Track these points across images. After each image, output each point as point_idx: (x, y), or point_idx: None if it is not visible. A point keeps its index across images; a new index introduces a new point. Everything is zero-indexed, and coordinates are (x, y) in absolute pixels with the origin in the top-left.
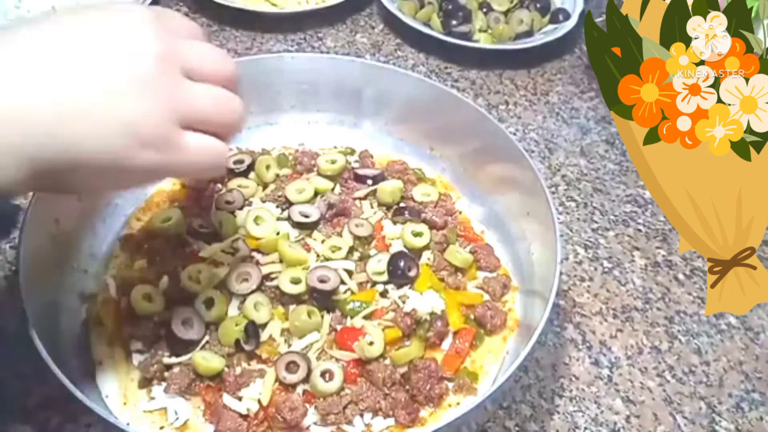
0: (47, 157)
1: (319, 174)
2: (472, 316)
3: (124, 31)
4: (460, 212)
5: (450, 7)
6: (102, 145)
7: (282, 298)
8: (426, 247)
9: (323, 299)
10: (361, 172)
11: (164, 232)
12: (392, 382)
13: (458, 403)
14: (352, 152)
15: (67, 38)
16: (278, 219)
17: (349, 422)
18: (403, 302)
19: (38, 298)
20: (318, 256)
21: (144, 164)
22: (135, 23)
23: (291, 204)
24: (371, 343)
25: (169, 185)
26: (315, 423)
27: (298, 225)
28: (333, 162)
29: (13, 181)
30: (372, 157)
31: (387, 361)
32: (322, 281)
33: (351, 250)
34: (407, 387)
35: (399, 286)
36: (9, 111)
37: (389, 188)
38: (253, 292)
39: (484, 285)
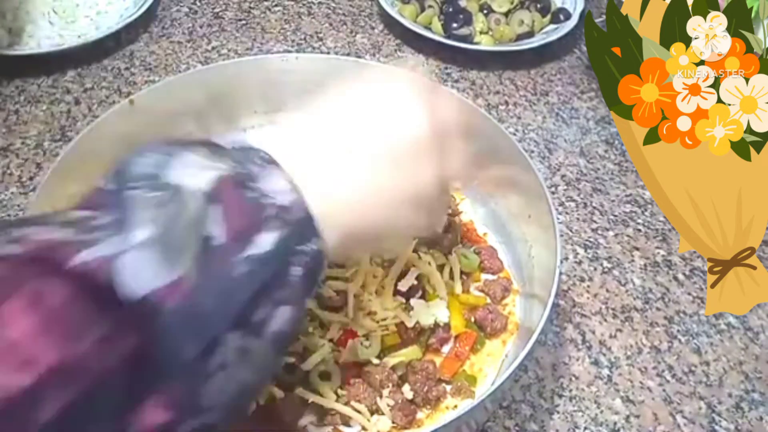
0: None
1: None
2: (472, 319)
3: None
4: (461, 212)
5: (450, 9)
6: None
7: None
8: None
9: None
10: None
11: None
12: (389, 383)
13: (455, 406)
14: None
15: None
16: None
17: (346, 423)
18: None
19: None
20: None
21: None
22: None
23: None
24: (368, 346)
25: None
26: (312, 423)
27: None
28: None
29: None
30: None
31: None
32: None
33: None
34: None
35: None
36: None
37: None
38: None
39: (485, 288)
